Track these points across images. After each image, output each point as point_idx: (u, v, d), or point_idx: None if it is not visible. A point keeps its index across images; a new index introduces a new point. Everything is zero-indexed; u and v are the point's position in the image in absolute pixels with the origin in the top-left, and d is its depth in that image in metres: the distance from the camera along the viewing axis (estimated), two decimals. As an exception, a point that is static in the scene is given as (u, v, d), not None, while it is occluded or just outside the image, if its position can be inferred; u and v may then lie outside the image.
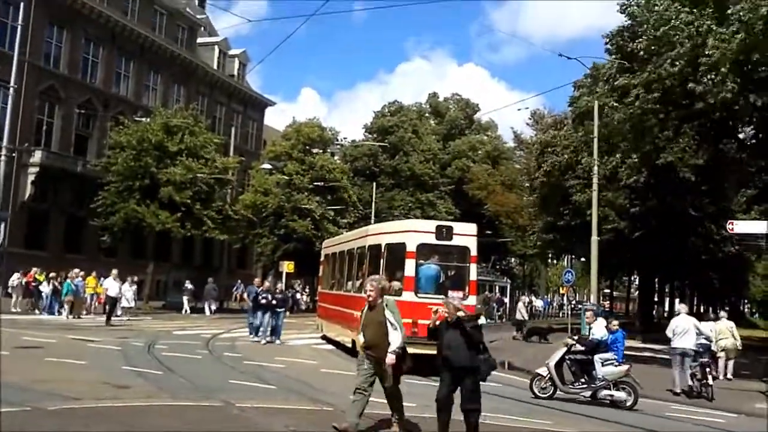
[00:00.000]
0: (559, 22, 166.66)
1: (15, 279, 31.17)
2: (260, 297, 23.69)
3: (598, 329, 15.59)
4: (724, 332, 21.09)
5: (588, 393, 14.58)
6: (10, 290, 31.08)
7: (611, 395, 14.42)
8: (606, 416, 12.87)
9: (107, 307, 27.69)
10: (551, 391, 14.69)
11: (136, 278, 33.74)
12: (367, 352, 9.39)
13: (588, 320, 16.97)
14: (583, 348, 15.18)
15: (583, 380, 14.81)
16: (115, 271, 28.42)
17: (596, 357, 14.76)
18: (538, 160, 39.44)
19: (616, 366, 14.65)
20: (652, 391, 16.87)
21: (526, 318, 35.33)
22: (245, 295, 27.12)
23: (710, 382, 16.34)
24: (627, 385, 14.42)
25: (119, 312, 29.79)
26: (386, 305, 9.41)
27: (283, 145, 54.86)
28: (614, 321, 16.27)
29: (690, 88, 20.11)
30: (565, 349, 15.19)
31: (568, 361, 15.06)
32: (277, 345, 22.75)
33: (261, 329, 23.56)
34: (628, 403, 14.25)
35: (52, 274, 31.53)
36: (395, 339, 9.13)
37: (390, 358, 9.07)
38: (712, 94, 19.46)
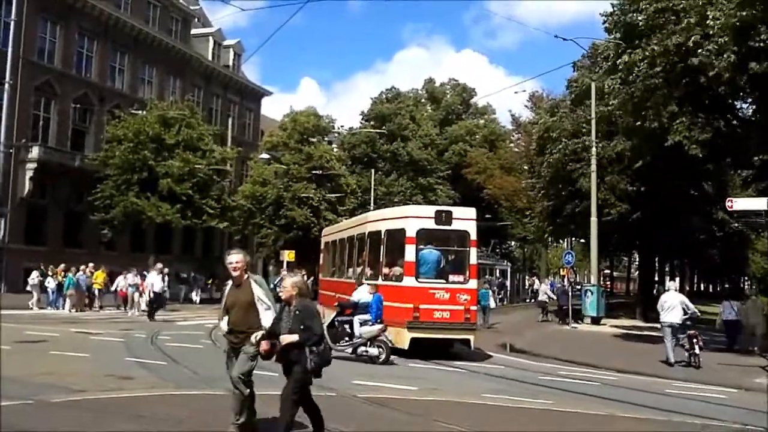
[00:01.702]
0: (554, 7, 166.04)
1: (34, 277, 30.76)
2: (278, 289, 21.58)
3: (359, 294, 18.14)
4: (753, 311, 21.94)
5: (350, 350, 16.46)
6: (30, 288, 30.65)
7: (366, 351, 16.29)
8: (605, 395, 12.95)
9: (151, 302, 26.74)
10: None
11: (167, 270, 32.39)
12: (229, 338, 8.25)
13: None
14: (339, 309, 17.72)
15: (346, 339, 16.77)
16: (159, 265, 27.69)
17: (355, 318, 16.92)
18: (539, 144, 39.31)
19: (371, 326, 16.52)
20: (653, 369, 17.05)
21: (551, 299, 35.15)
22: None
23: (697, 351, 17.59)
24: (381, 343, 16.29)
25: (133, 307, 29.48)
26: (254, 281, 8.13)
27: (280, 135, 54.82)
28: (370, 288, 17.95)
29: (690, 62, 20.08)
30: (336, 312, 17.61)
31: (337, 323, 17.13)
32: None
33: None
34: (381, 359, 16.12)
35: (61, 268, 31.22)
36: (268, 320, 7.92)
37: (263, 345, 7.74)
38: (711, 66, 19.46)
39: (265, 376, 13.42)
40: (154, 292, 26.53)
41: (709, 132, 22.13)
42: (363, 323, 16.75)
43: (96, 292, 31.50)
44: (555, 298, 34.57)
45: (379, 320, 16.68)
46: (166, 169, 37.92)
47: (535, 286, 36.91)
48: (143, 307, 28.74)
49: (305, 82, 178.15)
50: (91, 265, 31.44)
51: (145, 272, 29.86)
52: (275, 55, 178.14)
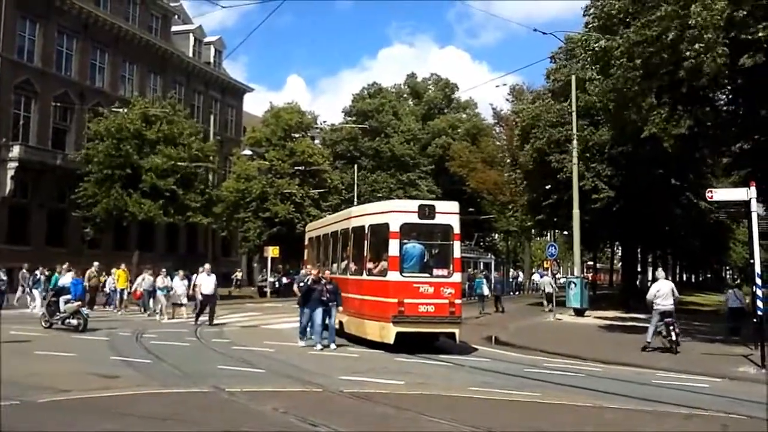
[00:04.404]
0: (534, 6, 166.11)
1: (37, 275, 30.01)
2: (310, 287, 18.66)
3: (64, 279, 23.46)
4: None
5: (60, 322, 20.94)
6: (31, 289, 29.28)
7: (70, 322, 20.80)
8: (590, 386, 13.02)
9: (202, 305, 24.20)
10: (49, 324, 21.13)
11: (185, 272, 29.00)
12: None
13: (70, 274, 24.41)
14: (53, 292, 22.39)
15: (58, 314, 21.21)
16: (207, 266, 25.37)
17: (61, 297, 21.45)
18: (525, 134, 39.28)
19: (72, 303, 21.07)
20: (638, 359, 17.16)
21: (555, 291, 35.10)
22: (296, 287, 21.84)
23: (674, 338, 18.43)
24: (79, 315, 20.81)
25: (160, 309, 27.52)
26: None
27: (263, 131, 54.75)
28: (74, 274, 23.77)
29: (684, 64, 19.96)
30: (51, 295, 22.40)
31: (52, 303, 21.69)
32: (332, 351, 17.71)
33: (308, 329, 18.88)
34: (80, 328, 20.46)
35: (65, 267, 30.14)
36: None
37: None
38: (700, 64, 19.38)
39: (249, 372, 13.49)
40: (203, 294, 24.22)
41: (684, 126, 22.18)
42: (66, 302, 21.26)
43: (119, 293, 30.22)
44: (555, 290, 34.56)
45: (79, 298, 21.44)
46: (149, 165, 37.71)
47: (549, 278, 36.73)
48: (165, 309, 27.13)
49: (292, 79, 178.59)
50: (96, 264, 31.02)
51: (173, 273, 28.19)
52: (262, 53, 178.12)
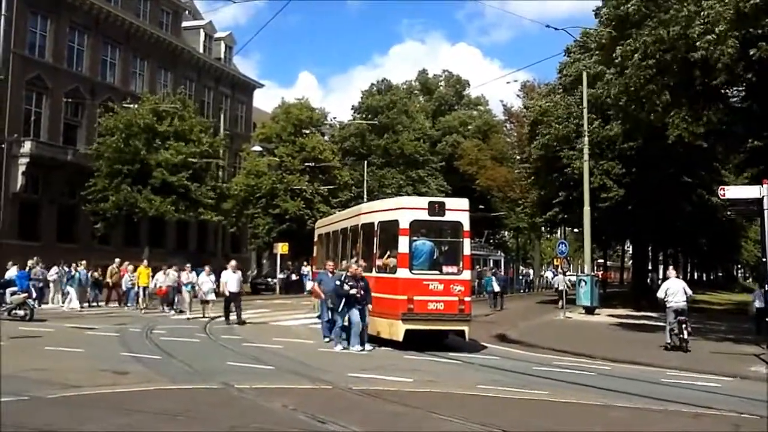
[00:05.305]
0: (547, 3, 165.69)
1: (53, 273, 29.77)
2: (346, 285, 17.33)
3: (9, 273, 26.22)
4: None
5: (6, 313, 22.11)
6: (50, 284, 29.73)
7: (17, 312, 22.15)
8: (600, 384, 12.97)
9: (227, 302, 23.87)
10: None
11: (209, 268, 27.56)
12: None
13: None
14: None
15: (4, 305, 22.60)
16: (233, 263, 24.84)
17: (7, 290, 23.13)
18: (533, 130, 39.25)
19: (18, 295, 22.75)
20: (648, 358, 17.07)
21: (567, 288, 34.93)
22: (316, 285, 20.84)
23: (685, 336, 18.47)
24: (26, 307, 22.44)
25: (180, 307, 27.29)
26: None
27: (272, 127, 54.80)
28: (17, 268, 26.90)
29: (691, 56, 19.89)
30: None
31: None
32: (366, 353, 16.81)
33: (336, 328, 17.82)
34: (27, 318, 21.87)
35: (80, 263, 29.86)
36: None
37: None
38: (711, 57, 19.29)
39: (259, 369, 13.49)
40: (229, 292, 23.81)
41: (713, 124, 22.11)
42: (13, 293, 22.91)
43: (141, 291, 28.87)
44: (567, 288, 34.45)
45: (25, 290, 23.31)
46: (159, 160, 37.74)
47: (562, 276, 36.72)
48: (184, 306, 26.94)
49: (303, 76, 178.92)
50: (117, 260, 31.02)
51: (199, 269, 27.26)
52: (274, 49, 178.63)
